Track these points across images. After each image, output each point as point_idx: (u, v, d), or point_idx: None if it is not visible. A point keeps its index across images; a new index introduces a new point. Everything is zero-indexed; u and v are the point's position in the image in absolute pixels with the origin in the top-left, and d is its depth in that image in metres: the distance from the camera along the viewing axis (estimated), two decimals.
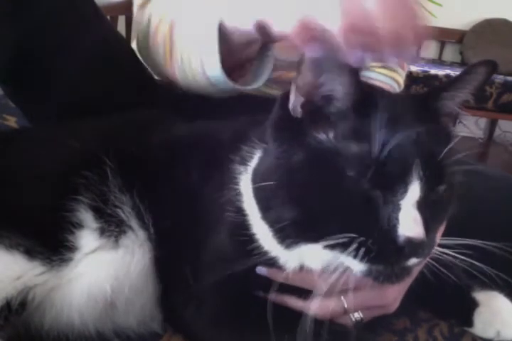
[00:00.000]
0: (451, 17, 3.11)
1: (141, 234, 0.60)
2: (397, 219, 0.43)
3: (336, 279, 0.47)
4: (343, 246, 0.45)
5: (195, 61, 0.69)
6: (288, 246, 0.50)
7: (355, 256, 0.44)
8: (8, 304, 0.53)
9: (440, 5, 2.85)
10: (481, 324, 0.64)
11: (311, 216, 0.46)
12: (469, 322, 0.64)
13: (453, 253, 0.49)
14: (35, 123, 0.82)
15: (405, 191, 0.44)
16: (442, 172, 0.47)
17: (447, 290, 0.66)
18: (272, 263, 0.53)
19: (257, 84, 0.70)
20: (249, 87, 0.68)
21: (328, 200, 0.46)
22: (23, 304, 0.54)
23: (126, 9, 1.65)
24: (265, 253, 0.53)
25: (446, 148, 0.47)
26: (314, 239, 0.47)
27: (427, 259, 0.50)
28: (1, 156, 0.63)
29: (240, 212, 0.54)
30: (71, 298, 0.57)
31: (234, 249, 0.55)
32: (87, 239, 0.58)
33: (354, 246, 0.44)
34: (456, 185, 0.51)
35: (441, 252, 0.49)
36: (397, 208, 0.43)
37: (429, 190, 0.45)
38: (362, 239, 0.44)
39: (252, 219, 0.54)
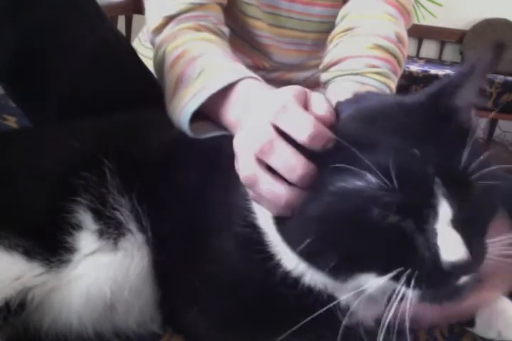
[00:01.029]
0: (451, 17, 3.11)
1: (139, 237, 0.59)
2: (436, 245, 0.41)
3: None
4: (394, 278, 0.43)
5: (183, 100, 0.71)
6: (344, 281, 0.47)
7: (407, 286, 0.43)
8: (7, 304, 0.53)
9: (440, 5, 2.86)
10: (482, 324, 0.64)
11: (354, 257, 0.45)
12: (470, 322, 0.64)
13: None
14: (36, 123, 0.82)
15: (435, 214, 0.42)
16: (470, 183, 0.44)
17: None
18: (292, 282, 0.51)
19: (210, 135, 0.70)
20: (202, 136, 0.68)
21: (365, 240, 0.44)
22: (22, 305, 0.54)
23: (126, 9, 1.66)
24: (287, 272, 0.51)
25: (468, 150, 0.43)
26: (364, 272, 0.45)
27: None
28: (0, 156, 0.63)
29: (254, 228, 0.53)
30: (70, 299, 0.57)
31: (244, 263, 0.54)
32: (86, 240, 0.57)
33: (404, 279, 0.42)
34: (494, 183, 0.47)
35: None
36: (433, 234, 0.41)
37: (460, 204, 0.43)
38: (409, 271, 0.42)
39: (273, 240, 0.52)
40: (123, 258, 0.58)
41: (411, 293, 0.43)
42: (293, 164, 0.46)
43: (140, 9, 1.55)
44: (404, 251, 0.43)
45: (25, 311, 0.55)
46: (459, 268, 0.41)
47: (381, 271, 0.44)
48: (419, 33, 3.04)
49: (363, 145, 0.43)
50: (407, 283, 0.43)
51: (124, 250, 0.58)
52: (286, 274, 0.51)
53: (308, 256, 0.48)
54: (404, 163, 0.42)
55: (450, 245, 0.41)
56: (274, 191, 0.48)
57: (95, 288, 0.57)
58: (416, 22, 2.17)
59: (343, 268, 0.46)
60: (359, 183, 0.43)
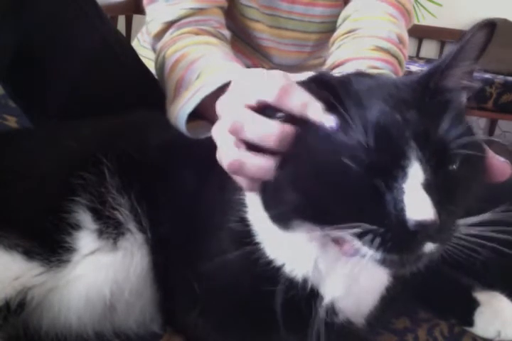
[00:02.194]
0: (451, 17, 3.11)
1: (139, 237, 0.60)
2: (402, 202, 0.41)
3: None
4: (358, 235, 0.43)
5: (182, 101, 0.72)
6: (288, 225, 0.48)
7: (370, 246, 0.42)
8: (7, 304, 0.53)
9: (440, 5, 2.86)
10: (481, 323, 0.64)
11: (320, 204, 0.44)
12: (470, 322, 0.64)
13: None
14: (36, 123, 0.82)
15: (405, 175, 0.42)
16: (448, 150, 0.44)
17: (448, 290, 0.66)
18: (275, 272, 0.52)
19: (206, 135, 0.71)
20: (198, 136, 0.69)
21: (334, 189, 0.44)
22: (21, 304, 0.54)
23: (126, 9, 1.66)
24: (270, 262, 0.52)
25: (449, 119, 0.44)
26: (324, 223, 0.45)
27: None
28: (0, 156, 0.63)
29: (244, 222, 0.54)
30: (69, 299, 0.57)
31: (238, 258, 0.54)
32: (86, 240, 0.57)
33: (370, 236, 0.42)
34: (480, 162, 0.47)
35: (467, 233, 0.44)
36: (401, 192, 0.41)
37: (435, 171, 0.43)
38: (374, 227, 0.42)
39: (257, 228, 0.53)
40: (123, 258, 0.58)
41: (371, 253, 0.42)
42: (268, 130, 0.46)
43: (140, 9, 1.55)
44: (373, 208, 0.42)
45: (24, 311, 0.55)
46: (423, 229, 0.40)
47: (347, 225, 0.43)
48: (419, 33, 3.03)
49: (351, 106, 0.44)
50: (371, 243, 0.42)
51: (123, 250, 0.58)
52: (270, 264, 0.52)
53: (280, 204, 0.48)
54: (383, 124, 0.43)
55: (416, 203, 0.40)
56: (262, 166, 0.47)
57: (95, 289, 0.57)
58: (416, 22, 2.17)
59: (300, 214, 0.46)
60: (341, 138, 0.43)
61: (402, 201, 0.41)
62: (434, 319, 0.67)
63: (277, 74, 0.49)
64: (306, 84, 0.47)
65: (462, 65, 0.48)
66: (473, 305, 0.64)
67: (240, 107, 0.49)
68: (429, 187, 0.41)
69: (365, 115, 0.44)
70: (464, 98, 0.50)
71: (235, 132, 0.48)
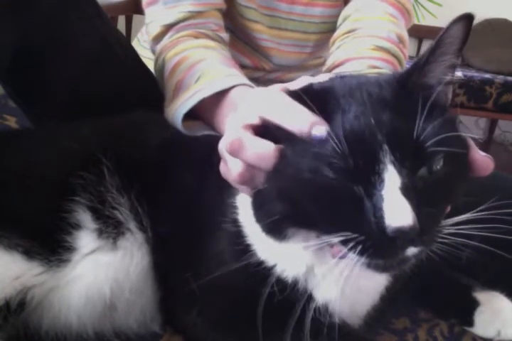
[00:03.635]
0: (451, 17, 3.10)
1: (139, 236, 0.60)
2: (381, 210, 0.41)
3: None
4: (342, 242, 0.43)
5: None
6: (281, 236, 0.49)
7: (354, 252, 0.43)
8: (7, 304, 0.53)
9: (440, 5, 2.86)
10: (481, 323, 0.64)
11: (306, 213, 0.45)
12: (470, 322, 0.64)
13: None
14: (36, 123, 0.82)
15: (381, 180, 0.42)
16: (425, 149, 0.43)
17: (448, 290, 0.66)
18: (268, 273, 0.52)
19: (199, 133, 0.73)
20: (195, 134, 0.71)
21: (318, 199, 0.44)
22: (21, 304, 0.54)
23: (126, 9, 1.66)
24: (261, 263, 0.52)
25: (428, 121, 0.44)
26: (312, 230, 0.46)
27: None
28: (0, 156, 0.63)
29: (235, 223, 0.55)
30: (69, 299, 0.57)
31: (233, 258, 0.54)
32: (86, 239, 0.57)
33: (351, 244, 0.42)
34: (463, 159, 0.47)
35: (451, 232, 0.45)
36: (380, 199, 0.41)
37: (414, 172, 0.43)
38: (355, 235, 0.42)
39: (248, 230, 0.54)
40: (123, 258, 0.58)
41: (356, 258, 0.43)
42: (264, 152, 0.47)
43: (140, 9, 1.55)
44: (354, 215, 0.43)
45: (24, 311, 0.55)
46: (403, 235, 0.40)
47: (330, 234, 0.44)
48: (419, 33, 3.03)
49: (331, 115, 0.45)
50: (354, 249, 0.42)
51: (123, 249, 0.58)
52: (262, 264, 0.52)
53: (258, 202, 0.49)
54: (357, 130, 0.43)
55: (394, 210, 0.40)
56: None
57: (95, 288, 0.57)
58: (416, 22, 2.17)
59: (287, 223, 0.47)
60: (319, 147, 0.44)
61: (381, 208, 0.41)
62: (434, 319, 0.67)
63: (275, 90, 0.50)
64: (295, 97, 0.47)
65: (442, 60, 0.47)
66: (473, 305, 0.64)
67: (239, 128, 0.50)
68: (408, 190, 0.42)
69: (342, 122, 0.44)
70: (447, 93, 0.49)
71: (232, 153, 0.49)
